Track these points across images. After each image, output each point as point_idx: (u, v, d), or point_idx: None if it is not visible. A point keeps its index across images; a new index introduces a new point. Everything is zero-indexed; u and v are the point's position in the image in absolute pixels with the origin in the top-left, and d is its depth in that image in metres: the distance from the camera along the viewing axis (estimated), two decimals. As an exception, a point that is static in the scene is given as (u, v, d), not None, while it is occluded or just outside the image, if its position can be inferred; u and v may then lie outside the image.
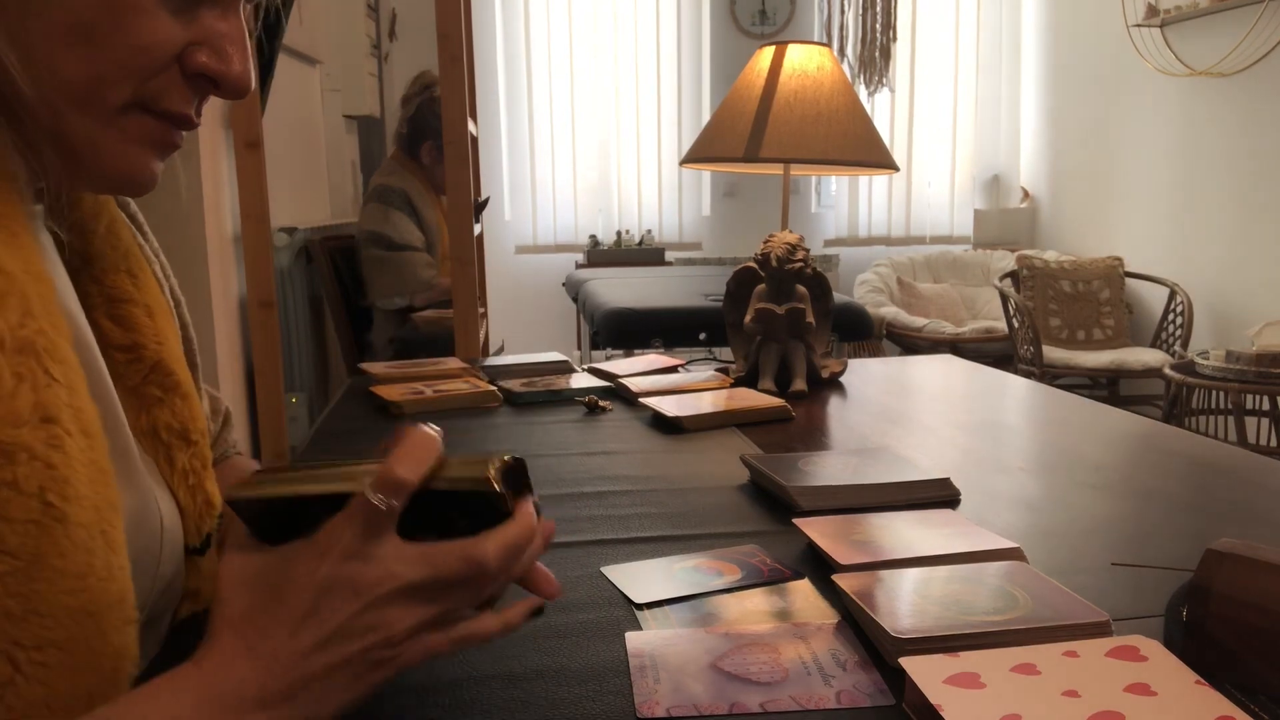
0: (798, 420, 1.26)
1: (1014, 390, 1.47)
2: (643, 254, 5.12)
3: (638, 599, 0.70)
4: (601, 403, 1.32)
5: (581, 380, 1.46)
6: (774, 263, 1.41)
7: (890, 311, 4.67)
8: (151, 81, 0.51)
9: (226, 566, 0.48)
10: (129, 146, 0.53)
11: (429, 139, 3.06)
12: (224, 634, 0.46)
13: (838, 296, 2.26)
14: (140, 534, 0.56)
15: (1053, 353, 4.08)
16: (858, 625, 0.64)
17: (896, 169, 2.35)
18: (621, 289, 3.09)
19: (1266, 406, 3.40)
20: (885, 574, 0.68)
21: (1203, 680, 0.52)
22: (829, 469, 0.95)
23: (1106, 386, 4.40)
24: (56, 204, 0.56)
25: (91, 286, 0.60)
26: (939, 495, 0.91)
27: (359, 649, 0.46)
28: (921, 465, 1.00)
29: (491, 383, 1.42)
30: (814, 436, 1.18)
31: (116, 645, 0.47)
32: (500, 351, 4.12)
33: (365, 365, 1.55)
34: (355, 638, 0.46)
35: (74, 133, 0.51)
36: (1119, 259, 4.40)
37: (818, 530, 0.78)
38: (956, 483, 0.93)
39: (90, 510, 0.47)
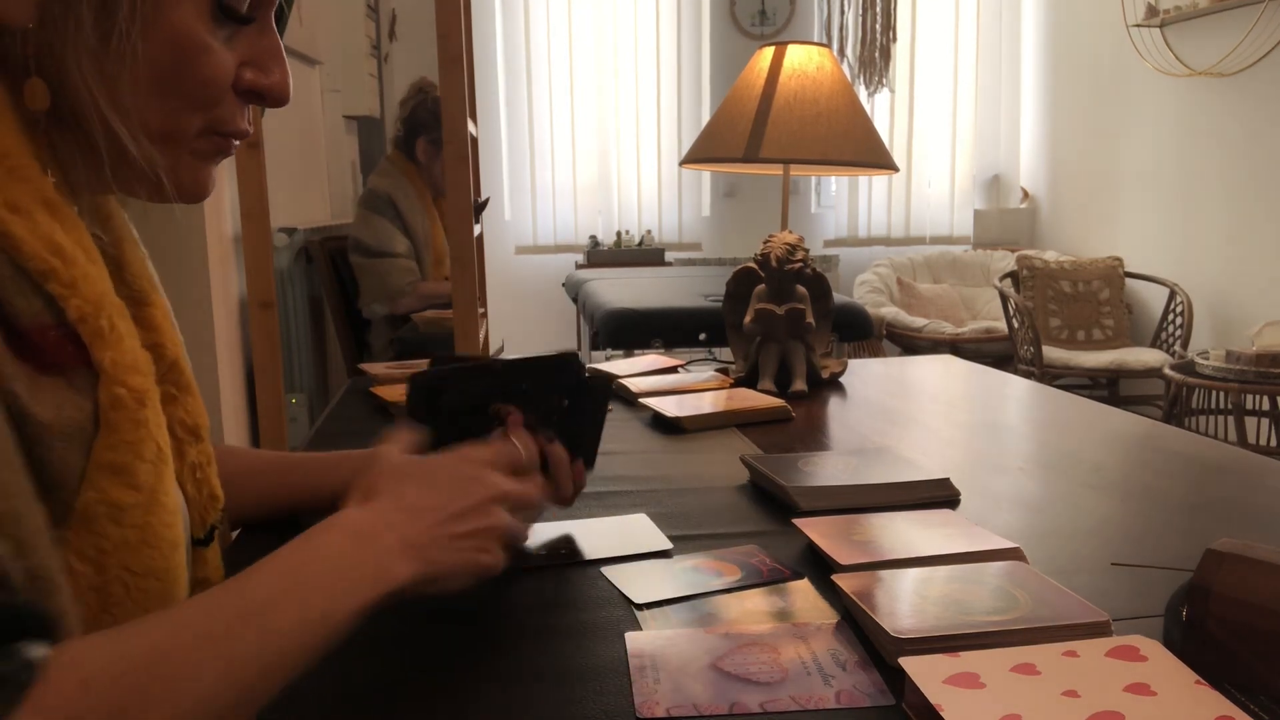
0: (797, 420, 1.26)
1: (1014, 390, 1.47)
2: (643, 254, 5.12)
3: (638, 599, 0.70)
4: (601, 403, 1.32)
5: (581, 380, 1.46)
6: (774, 263, 1.41)
7: (890, 312, 4.67)
8: (217, 109, 0.57)
9: (385, 460, 0.64)
10: (199, 165, 0.59)
11: (422, 134, 3.03)
12: (383, 494, 0.60)
13: (838, 297, 2.26)
14: None
15: (1053, 353, 4.08)
16: (858, 625, 0.64)
17: (896, 169, 2.35)
18: (621, 289, 3.09)
19: (1266, 406, 3.40)
20: (885, 574, 0.68)
21: (1203, 680, 0.52)
22: (829, 469, 0.95)
23: (1106, 387, 4.40)
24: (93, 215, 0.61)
25: (123, 290, 0.63)
26: (939, 495, 0.91)
27: (476, 528, 0.61)
28: (921, 465, 1.00)
29: (491, 383, 1.42)
30: (814, 437, 1.18)
31: (188, 575, 0.56)
32: (500, 352, 4.11)
33: (365, 366, 1.55)
34: (476, 517, 0.61)
35: (159, 164, 0.56)
36: (1119, 259, 4.40)
37: (818, 530, 0.78)
38: (956, 483, 0.93)
39: (167, 453, 0.55)
